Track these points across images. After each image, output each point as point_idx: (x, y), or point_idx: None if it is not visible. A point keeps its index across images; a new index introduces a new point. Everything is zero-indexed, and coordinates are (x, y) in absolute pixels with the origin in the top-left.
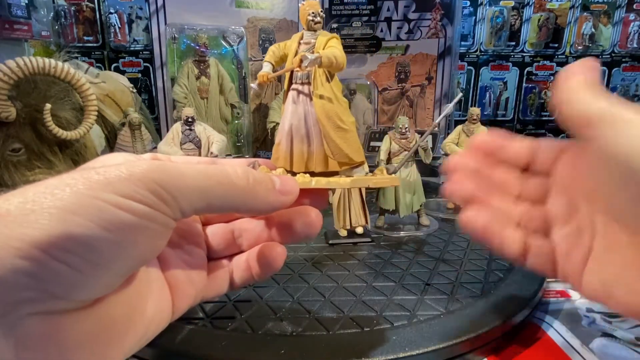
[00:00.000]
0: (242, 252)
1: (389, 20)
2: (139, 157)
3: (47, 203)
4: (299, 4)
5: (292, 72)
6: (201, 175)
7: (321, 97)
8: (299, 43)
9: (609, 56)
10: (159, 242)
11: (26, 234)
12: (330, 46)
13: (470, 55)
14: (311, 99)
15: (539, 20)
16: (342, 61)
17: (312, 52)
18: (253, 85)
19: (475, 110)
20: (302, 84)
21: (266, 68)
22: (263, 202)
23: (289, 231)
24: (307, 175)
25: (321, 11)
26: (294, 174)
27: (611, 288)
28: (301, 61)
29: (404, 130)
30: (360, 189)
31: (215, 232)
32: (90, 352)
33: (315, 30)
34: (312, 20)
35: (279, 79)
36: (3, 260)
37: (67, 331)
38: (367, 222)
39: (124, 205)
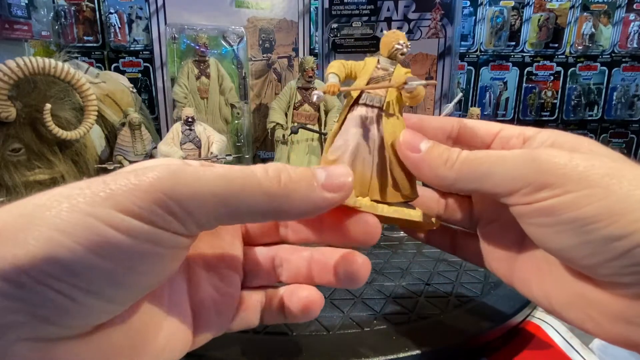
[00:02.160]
0: (279, 282)
1: (389, 20)
2: (165, 163)
3: (39, 219)
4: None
5: (361, 91)
6: (222, 180)
7: (392, 125)
8: (377, 67)
9: (609, 56)
10: (168, 265)
11: (14, 254)
12: (411, 77)
13: (470, 55)
14: (378, 124)
15: (539, 20)
16: (423, 96)
17: (389, 80)
18: (317, 92)
19: (475, 110)
20: (373, 107)
21: (334, 79)
22: (303, 204)
23: (330, 275)
24: (368, 199)
25: (409, 45)
26: None
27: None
28: (405, 82)
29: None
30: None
31: (254, 256)
32: None
33: (394, 59)
34: (399, 50)
35: (279, 78)
36: None
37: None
38: None
39: (120, 225)
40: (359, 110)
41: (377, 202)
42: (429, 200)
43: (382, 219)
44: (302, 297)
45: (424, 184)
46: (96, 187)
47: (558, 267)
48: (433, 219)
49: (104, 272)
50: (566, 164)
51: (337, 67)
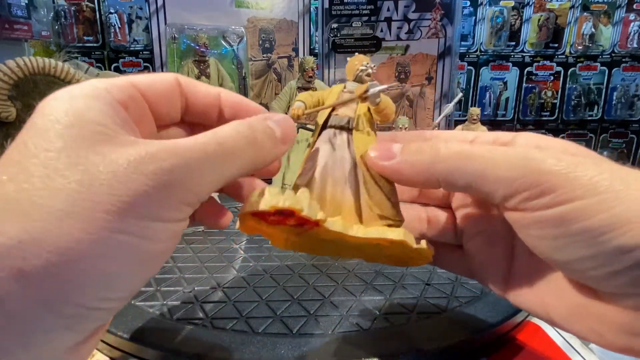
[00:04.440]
0: None
1: (389, 20)
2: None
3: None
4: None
5: (328, 115)
6: (218, 148)
7: (363, 142)
8: (342, 91)
9: (609, 56)
10: (172, 249)
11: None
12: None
13: (470, 55)
14: (349, 145)
15: (539, 20)
16: (393, 111)
17: (357, 102)
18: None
19: (475, 110)
20: (341, 128)
21: (299, 104)
22: (270, 158)
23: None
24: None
25: (374, 65)
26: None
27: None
28: (366, 91)
29: (404, 130)
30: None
31: None
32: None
33: (361, 83)
34: (364, 72)
35: (279, 78)
36: None
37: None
38: None
39: (143, 232)
40: (327, 133)
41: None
42: (410, 219)
43: (365, 255)
44: (212, 211)
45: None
46: (106, 198)
47: (556, 278)
48: (424, 244)
49: (127, 279)
50: (574, 166)
51: (304, 96)
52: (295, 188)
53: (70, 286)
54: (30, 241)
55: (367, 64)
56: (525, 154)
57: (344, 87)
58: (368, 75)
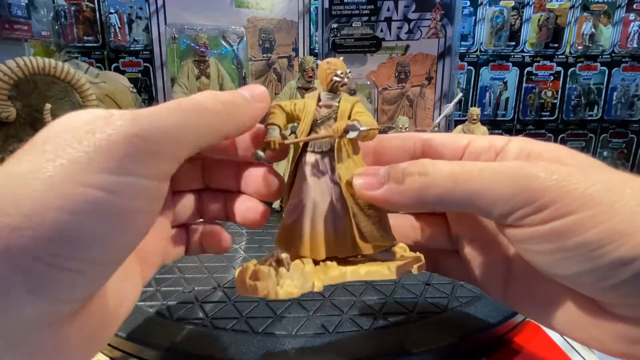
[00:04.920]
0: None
1: (389, 20)
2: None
3: (22, 191)
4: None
5: (309, 133)
6: (179, 112)
7: (347, 169)
8: (318, 105)
9: (609, 56)
10: (150, 217)
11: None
12: (359, 112)
13: (470, 55)
14: (332, 172)
15: (539, 20)
16: (375, 134)
17: (335, 118)
18: (260, 152)
19: (475, 110)
20: (323, 153)
21: (274, 133)
22: (245, 118)
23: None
24: (336, 265)
25: (349, 72)
26: (315, 262)
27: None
28: (345, 131)
29: (404, 130)
30: None
31: (181, 200)
32: (81, 352)
33: (336, 92)
34: (339, 82)
35: (279, 78)
36: None
37: (65, 336)
38: None
39: (101, 183)
40: (309, 159)
41: (349, 258)
42: (403, 228)
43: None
44: (212, 232)
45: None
46: (69, 154)
47: (555, 285)
48: (416, 270)
49: (94, 235)
50: (567, 179)
51: (277, 115)
52: (284, 225)
53: (35, 242)
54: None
55: (342, 73)
56: (517, 170)
57: (319, 100)
58: (344, 85)
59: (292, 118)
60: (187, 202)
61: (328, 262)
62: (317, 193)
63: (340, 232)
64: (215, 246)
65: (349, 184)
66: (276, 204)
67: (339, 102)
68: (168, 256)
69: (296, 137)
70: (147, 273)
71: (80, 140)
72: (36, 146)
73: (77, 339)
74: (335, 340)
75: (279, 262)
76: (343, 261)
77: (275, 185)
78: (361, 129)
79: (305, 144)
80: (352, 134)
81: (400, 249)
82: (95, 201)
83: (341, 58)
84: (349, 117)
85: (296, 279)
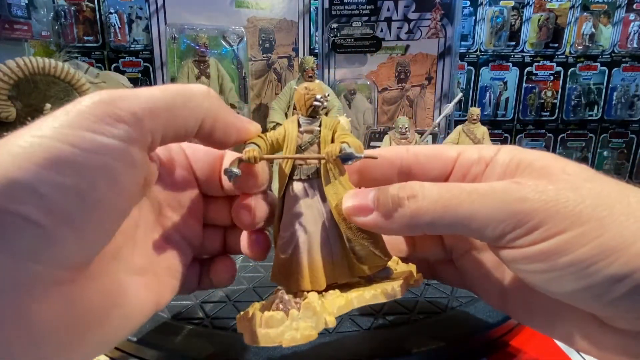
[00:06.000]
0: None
1: (389, 20)
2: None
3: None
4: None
5: (293, 165)
6: (159, 91)
7: (336, 194)
8: (299, 132)
9: (609, 56)
10: (128, 185)
11: None
12: (343, 135)
13: (470, 55)
14: (322, 197)
15: (539, 20)
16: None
17: (319, 143)
18: (234, 169)
19: (475, 110)
20: (309, 179)
21: (254, 147)
22: (213, 115)
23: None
24: (339, 293)
25: (327, 95)
26: (317, 292)
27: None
28: (343, 159)
29: (404, 130)
30: None
31: (198, 232)
32: (66, 336)
33: (315, 117)
34: (320, 106)
35: (279, 78)
36: None
37: (38, 311)
38: None
39: (74, 140)
40: (296, 188)
41: (349, 285)
42: (397, 241)
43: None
44: (220, 264)
45: None
46: (51, 120)
47: (552, 300)
48: (414, 274)
49: (67, 190)
50: (555, 198)
51: (258, 139)
52: (278, 259)
53: (19, 184)
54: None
55: (322, 97)
56: (506, 193)
57: (299, 126)
58: (324, 109)
59: (273, 147)
60: (214, 236)
61: (330, 291)
62: (309, 222)
63: (338, 258)
64: (224, 277)
65: (340, 208)
66: None
67: (319, 125)
68: (185, 284)
69: (279, 168)
70: (164, 293)
71: (66, 110)
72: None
73: (57, 320)
74: (335, 340)
75: (285, 304)
76: (344, 286)
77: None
78: (357, 155)
79: (291, 174)
80: (350, 162)
81: (393, 262)
82: (50, 150)
83: (317, 81)
84: (332, 141)
85: (309, 317)
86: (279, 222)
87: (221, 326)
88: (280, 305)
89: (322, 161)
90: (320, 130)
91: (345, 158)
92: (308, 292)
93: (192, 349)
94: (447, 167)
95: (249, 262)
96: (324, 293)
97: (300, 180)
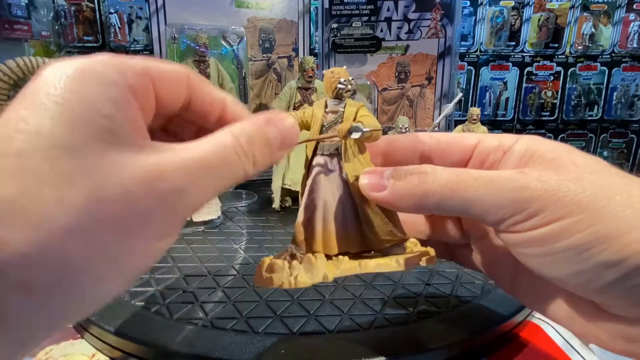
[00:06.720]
0: None
1: (389, 20)
2: None
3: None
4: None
5: (317, 142)
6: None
7: (354, 169)
8: (325, 112)
9: (609, 56)
10: None
11: None
12: (363, 115)
13: (470, 55)
14: (341, 172)
15: (539, 20)
16: (379, 135)
17: (340, 122)
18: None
19: (475, 110)
20: (331, 155)
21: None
22: (265, 165)
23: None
24: (347, 259)
25: (352, 79)
26: (328, 257)
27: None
28: (349, 132)
29: (403, 130)
30: None
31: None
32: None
33: (341, 99)
34: (343, 89)
35: (279, 78)
36: None
37: None
38: None
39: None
40: (319, 161)
41: (362, 253)
42: (417, 223)
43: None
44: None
45: None
46: (115, 217)
47: (554, 284)
48: (424, 262)
49: (116, 287)
50: (556, 188)
51: (294, 114)
52: (297, 225)
53: (69, 301)
54: (38, 255)
55: (346, 80)
56: (509, 181)
57: (326, 107)
58: (348, 91)
59: (302, 125)
60: None
61: (340, 257)
62: (327, 192)
63: (351, 228)
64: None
65: (356, 184)
66: (276, 204)
67: (344, 107)
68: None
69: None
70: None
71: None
72: None
73: None
74: (335, 340)
75: (293, 256)
76: (355, 256)
77: None
78: (364, 129)
79: (316, 148)
80: (355, 135)
81: (412, 243)
82: (123, 261)
83: (344, 67)
84: (354, 120)
85: (308, 270)
86: (303, 188)
87: (221, 326)
88: (287, 257)
89: (338, 139)
90: (344, 111)
91: (351, 131)
92: (314, 252)
93: (192, 349)
94: (467, 153)
95: (249, 262)
96: (334, 258)
97: (322, 154)
